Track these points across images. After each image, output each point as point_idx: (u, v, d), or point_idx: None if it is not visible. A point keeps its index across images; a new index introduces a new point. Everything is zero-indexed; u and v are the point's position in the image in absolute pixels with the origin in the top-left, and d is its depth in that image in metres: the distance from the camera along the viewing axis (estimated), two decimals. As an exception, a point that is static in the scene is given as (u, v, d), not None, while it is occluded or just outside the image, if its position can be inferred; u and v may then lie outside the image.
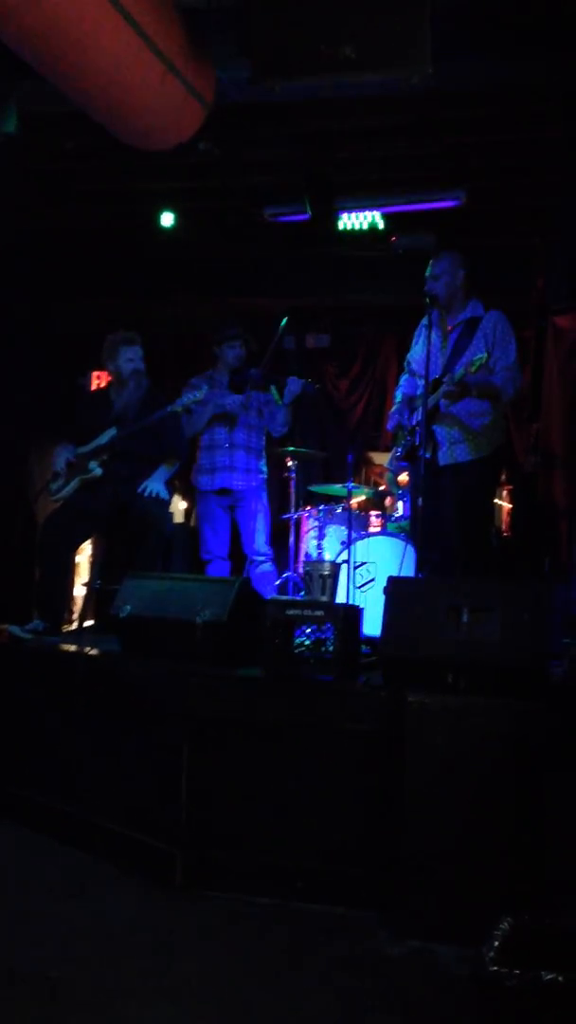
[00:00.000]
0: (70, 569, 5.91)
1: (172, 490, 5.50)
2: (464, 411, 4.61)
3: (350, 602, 5.13)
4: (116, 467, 4.86)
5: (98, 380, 7.61)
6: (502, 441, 4.87)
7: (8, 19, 3.62)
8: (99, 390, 5.51)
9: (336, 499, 6.47)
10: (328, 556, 5.87)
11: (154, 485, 4.81)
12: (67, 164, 6.22)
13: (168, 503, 5.06)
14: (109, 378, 5.27)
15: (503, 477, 6.86)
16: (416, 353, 4.97)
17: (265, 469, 5.77)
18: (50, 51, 3.83)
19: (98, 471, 4.83)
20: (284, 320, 5.77)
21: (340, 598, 5.03)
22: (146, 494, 4.77)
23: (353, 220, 6.86)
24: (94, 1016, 2.44)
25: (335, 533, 6.08)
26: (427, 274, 4.78)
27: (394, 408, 5.08)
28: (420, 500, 4.50)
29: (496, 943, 1.90)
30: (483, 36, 4.53)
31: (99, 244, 7.75)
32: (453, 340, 4.74)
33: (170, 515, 5.34)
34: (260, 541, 5.63)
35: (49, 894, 3.25)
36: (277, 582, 5.82)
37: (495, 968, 1.82)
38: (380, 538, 5.84)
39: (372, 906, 3.05)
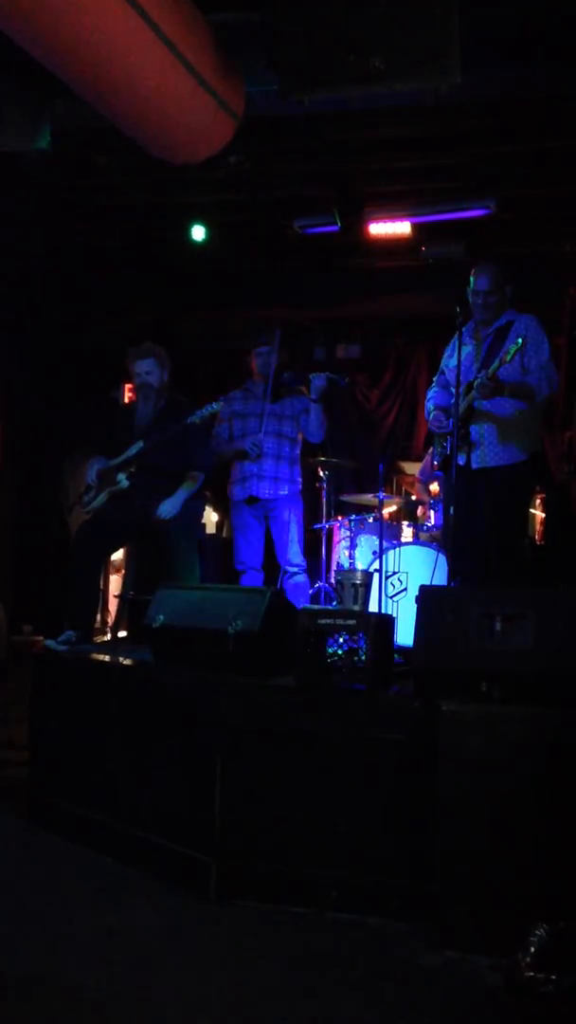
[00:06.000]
0: (99, 578, 5.95)
1: (203, 502, 5.51)
2: (499, 411, 4.55)
3: (382, 611, 5.11)
4: (142, 480, 4.90)
5: (131, 392, 7.68)
6: (538, 448, 4.79)
7: (40, 37, 3.68)
8: (128, 403, 5.56)
9: (367, 509, 6.46)
10: (360, 566, 5.87)
11: (169, 507, 4.85)
12: (99, 179, 6.28)
13: (190, 518, 5.08)
14: None
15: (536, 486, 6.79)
16: (451, 363, 4.92)
17: (299, 480, 5.72)
18: (82, 68, 3.88)
19: (125, 483, 4.88)
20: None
21: (372, 608, 5.04)
22: (163, 516, 4.81)
23: (383, 230, 6.87)
24: (129, 1024, 2.44)
25: (367, 543, 6.07)
26: (471, 289, 4.70)
27: (429, 402, 5.02)
28: (452, 509, 4.47)
29: (532, 950, 1.89)
30: (511, 44, 4.53)
31: (130, 258, 7.82)
32: (486, 347, 4.69)
33: (193, 528, 5.35)
34: (293, 552, 5.60)
35: (84, 903, 3.25)
36: (310, 592, 5.81)
37: (530, 974, 1.81)
38: (412, 547, 5.83)
39: (406, 916, 3.03)
